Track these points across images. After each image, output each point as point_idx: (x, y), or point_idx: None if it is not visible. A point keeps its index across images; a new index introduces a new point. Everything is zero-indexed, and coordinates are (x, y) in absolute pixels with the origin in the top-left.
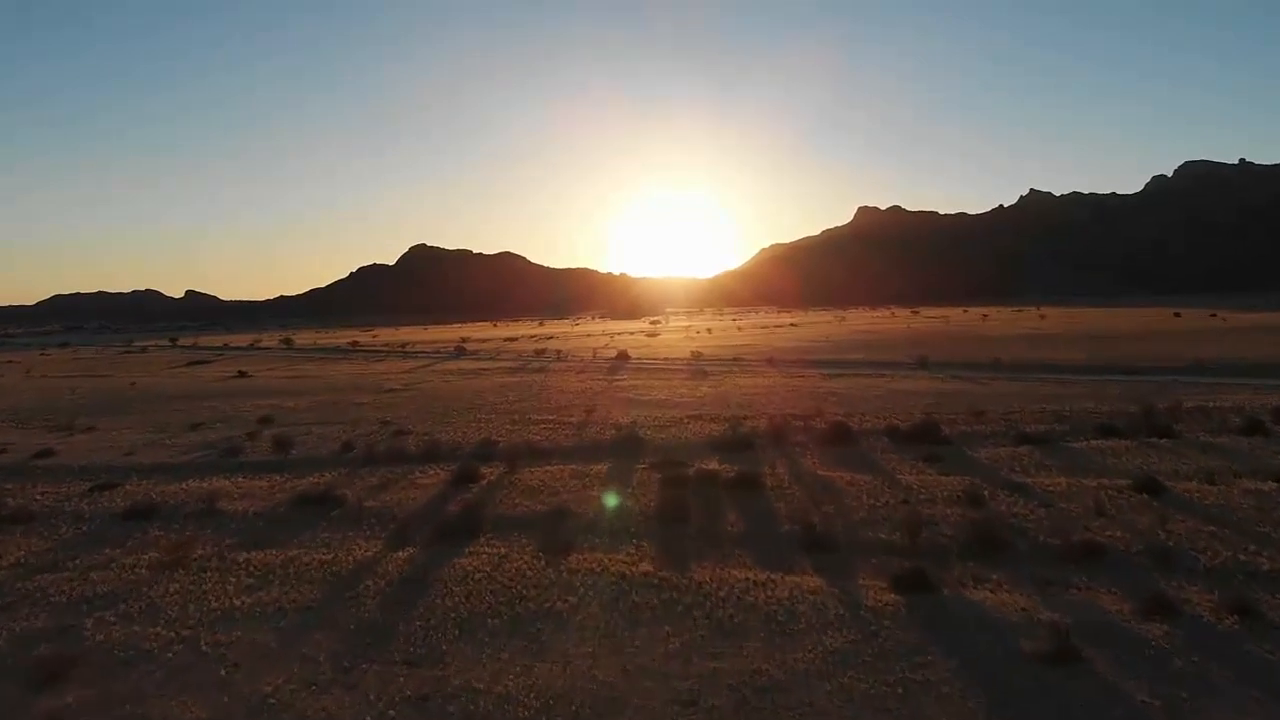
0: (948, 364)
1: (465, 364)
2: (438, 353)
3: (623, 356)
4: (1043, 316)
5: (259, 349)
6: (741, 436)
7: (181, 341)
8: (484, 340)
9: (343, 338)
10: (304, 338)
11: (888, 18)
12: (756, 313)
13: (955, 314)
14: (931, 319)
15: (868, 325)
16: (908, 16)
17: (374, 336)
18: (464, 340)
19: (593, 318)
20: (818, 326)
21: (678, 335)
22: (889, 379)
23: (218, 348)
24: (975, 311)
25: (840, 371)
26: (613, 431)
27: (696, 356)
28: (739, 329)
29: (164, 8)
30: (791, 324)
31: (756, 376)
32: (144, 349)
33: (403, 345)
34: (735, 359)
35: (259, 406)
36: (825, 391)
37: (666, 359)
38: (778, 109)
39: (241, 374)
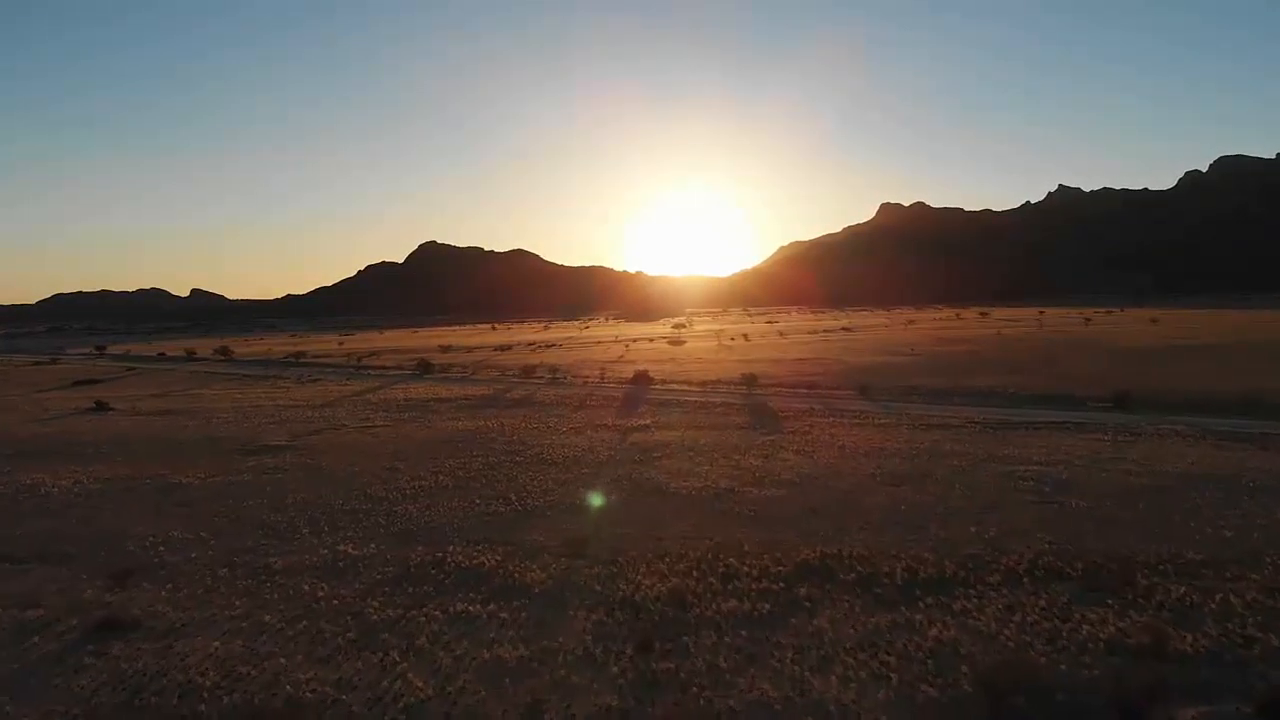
0: (1162, 401)
1: (422, 389)
2: (399, 369)
3: (642, 378)
4: (1154, 320)
5: (196, 359)
6: None
7: (116, 349)
8: (470, 349)
9: (318, 343)
10: (264, 345)
11: (911, 14)
12: (788, 314)
13: (1029, 314)
14: (1011, 322)
15: (942, 330)
16: (931, 13)
17: (340, 344)
18: (443, 348)
19: (606, 319)
20: (879, 331)
21: (708, 343)
22: (1112, 440)
23: (147, 358)
24: (1055, 312)
25: (1000, 415)
26: (628, 649)
27: (749, 380)
28: (781, 335)
29: (172, 8)
30: (844, 329)
31: (863, 424)
32: (55, 360)
33: (360, 359)
34: (808, 386)
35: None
36: (1028, 472)
37: (704, 383)
38: (798, 105)
39: (99, 405)
